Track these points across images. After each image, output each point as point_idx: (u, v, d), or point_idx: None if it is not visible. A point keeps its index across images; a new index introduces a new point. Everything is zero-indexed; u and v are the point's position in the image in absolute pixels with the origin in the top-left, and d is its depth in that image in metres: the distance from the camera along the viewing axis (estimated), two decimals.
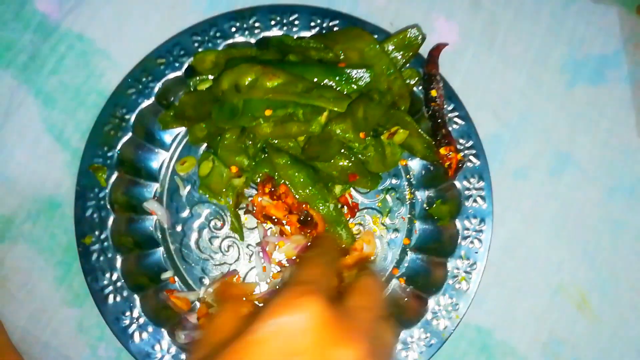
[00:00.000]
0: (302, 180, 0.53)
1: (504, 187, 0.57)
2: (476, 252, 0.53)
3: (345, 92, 0.52)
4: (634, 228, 0.58)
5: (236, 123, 0.51)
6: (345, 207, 0.56)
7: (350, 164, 0.53)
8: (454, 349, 0.56)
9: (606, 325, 0.57)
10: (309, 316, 0.30)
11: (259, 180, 0.55)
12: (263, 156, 0.55)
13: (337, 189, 0.55)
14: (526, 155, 0.59)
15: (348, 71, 0.52)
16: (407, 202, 0.57)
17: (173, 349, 0.51)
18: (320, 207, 0.53)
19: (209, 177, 0.54)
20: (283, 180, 0.54)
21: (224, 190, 0.54)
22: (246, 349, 0.30)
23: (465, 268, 0.53)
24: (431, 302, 0.52)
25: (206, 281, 0.55)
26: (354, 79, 0.52)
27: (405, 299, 0.55)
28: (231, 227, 0.56)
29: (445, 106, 0.55)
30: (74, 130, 0.56)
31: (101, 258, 0.52)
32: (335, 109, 0.49)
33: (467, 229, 0.53)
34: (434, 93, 0.54)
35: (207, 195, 0.55)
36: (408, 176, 0.57)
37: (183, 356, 0.51)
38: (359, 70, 0.52)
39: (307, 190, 0.53)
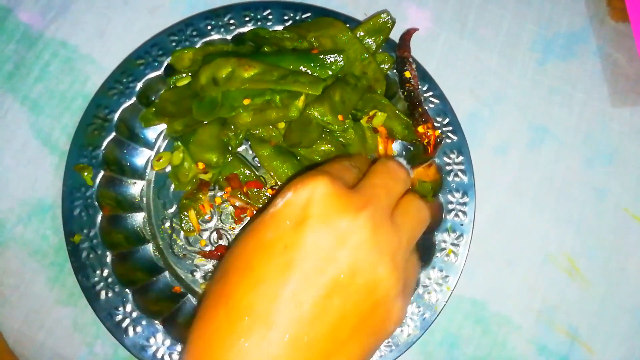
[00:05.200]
0: (286, 170, 0.55)
1: (485, 163, 0.59)
2: (462, 225, 0.54)
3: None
4: (614, 195, 0.59)
5: (216, 115, 0.52)
6: None
7: (332, 148, 0.54)
8: (450, 323, 0.56)
9: (597, 289, 0.57)
10: (313, 190, 0.33)
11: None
12: (230, 158, 0.56)
13: None
14: (505, 131, 0.60)
15: (322, 57, 0.53)
16: None
17: (168, 341, 0.51)
18: None
19: (178, 167, 0.55)
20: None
21: (189, 185, 0.55)
22: (261, 224, 0.34)
23: (452, 240, 0.53)
24: (422, 277, 0.53)
25: (198, 274, 0.56)
26: (328, 64, 0.53)
27: None
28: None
29: (419, 87, 0.56)
30: (61, 134, 0.57)
31: (91, 255, 0.52)
32: (311, 92, 0.50)
33: (451, 203, 0.54)
34: (407, 74, 0.56)
35: (174, 184, 0.56)
36: None
37: (178, 347, 0.51)
38: (332, 56, 0.53)
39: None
